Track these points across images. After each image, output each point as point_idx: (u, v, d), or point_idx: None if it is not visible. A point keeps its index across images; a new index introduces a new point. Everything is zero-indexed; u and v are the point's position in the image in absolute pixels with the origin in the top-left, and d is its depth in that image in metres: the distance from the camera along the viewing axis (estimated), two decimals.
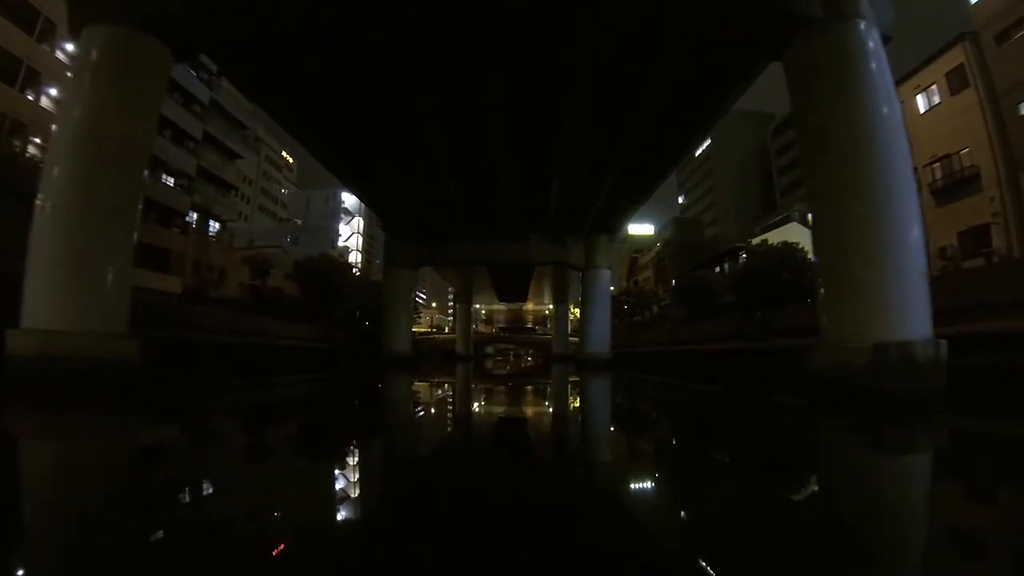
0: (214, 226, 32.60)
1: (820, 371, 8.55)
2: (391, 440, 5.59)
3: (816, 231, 9.46)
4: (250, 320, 24.42)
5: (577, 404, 10.38)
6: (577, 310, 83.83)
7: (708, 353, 22.96)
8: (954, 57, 21.59)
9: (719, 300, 26.18)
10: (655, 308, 40.01)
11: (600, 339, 29.92)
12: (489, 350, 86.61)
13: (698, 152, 70.64)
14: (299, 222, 58.70)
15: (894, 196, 8.23)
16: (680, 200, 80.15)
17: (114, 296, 9.38)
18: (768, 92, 20.48)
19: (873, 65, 8.66)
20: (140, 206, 10.42)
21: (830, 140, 8.77)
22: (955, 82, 21.56)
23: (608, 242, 31.42)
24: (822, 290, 8.96)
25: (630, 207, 28.01)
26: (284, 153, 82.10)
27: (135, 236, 10.06)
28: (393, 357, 29.42)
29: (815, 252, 9.53)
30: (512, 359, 74.45)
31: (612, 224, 30.28)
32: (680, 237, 42.36)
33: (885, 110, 8.61)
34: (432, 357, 55.06)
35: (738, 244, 32.68)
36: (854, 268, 8.25)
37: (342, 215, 62.47)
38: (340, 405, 9.33)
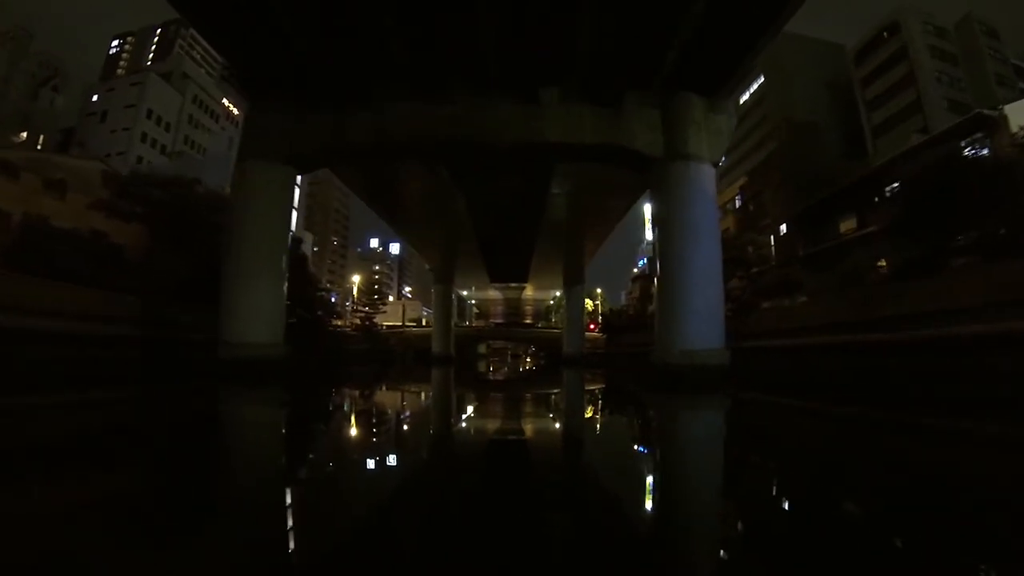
0: None
1: None
2: None
3: None
4: None
5: None
6: (588, 300, 65.83)
7: None
8: None
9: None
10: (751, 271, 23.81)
11: (708, 316, 12.67)
12: (481, 349, 70.67)
13: (744, 98, 55.02)
14: (199, 157, 41.66)
15: None
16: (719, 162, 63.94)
17: None
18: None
19: None
20: None
21: None
22: None
23: (707, 112, 14.73)
24: None
25: (772, 16, 11.40)
26: (226, 101, 66.39)
27: None
28: (240, 361, 12.90)
29: None
30: (510, 360, 57.83)
31: (717, 73, 13.66)
32: (792, 150, 24.71)
33: None
34: (403, 358, 40.60)
35: (985, 110, 15.74)
36: None
37: None
38: None
